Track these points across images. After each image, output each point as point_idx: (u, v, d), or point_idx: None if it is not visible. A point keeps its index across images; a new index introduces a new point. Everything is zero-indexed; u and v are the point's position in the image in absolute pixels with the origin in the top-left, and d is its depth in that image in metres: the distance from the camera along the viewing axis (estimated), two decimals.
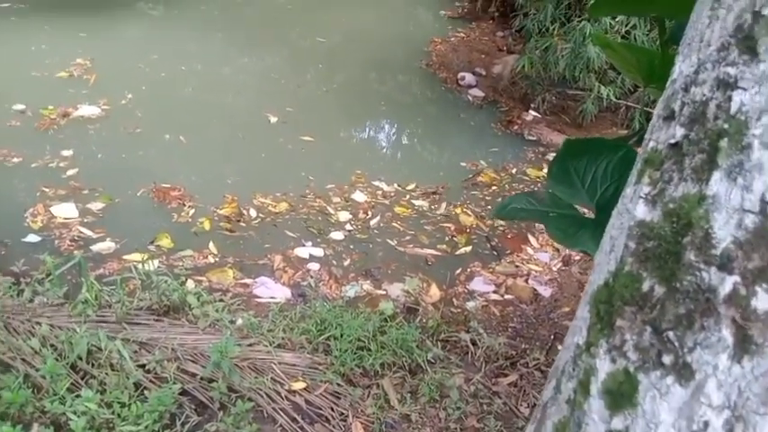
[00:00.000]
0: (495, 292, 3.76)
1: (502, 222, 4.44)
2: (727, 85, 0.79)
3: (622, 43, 3.61)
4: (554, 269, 4.06)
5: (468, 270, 3.92)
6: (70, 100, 5.06)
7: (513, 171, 5.26)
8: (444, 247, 4.11)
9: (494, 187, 4.91)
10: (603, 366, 0.81)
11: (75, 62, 5.61)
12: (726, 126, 0.80)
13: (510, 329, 3.37)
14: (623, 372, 0.78)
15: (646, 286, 0.80)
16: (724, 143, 0.79)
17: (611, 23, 5.69)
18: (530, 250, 4.25)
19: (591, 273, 0.97)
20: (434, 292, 3.60)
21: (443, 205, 4.57)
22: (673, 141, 0.88)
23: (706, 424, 0.70)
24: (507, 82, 6.67)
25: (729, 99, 0.79)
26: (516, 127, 6.07)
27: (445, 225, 4.35)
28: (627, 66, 2.25)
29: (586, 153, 2.31)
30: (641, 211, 0.87)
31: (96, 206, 3.90)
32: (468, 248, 4.11)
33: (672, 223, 0.81)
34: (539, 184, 5.00)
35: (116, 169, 4.33)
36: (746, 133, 0.77)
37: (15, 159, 4.23)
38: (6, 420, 2.19)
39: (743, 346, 0.69)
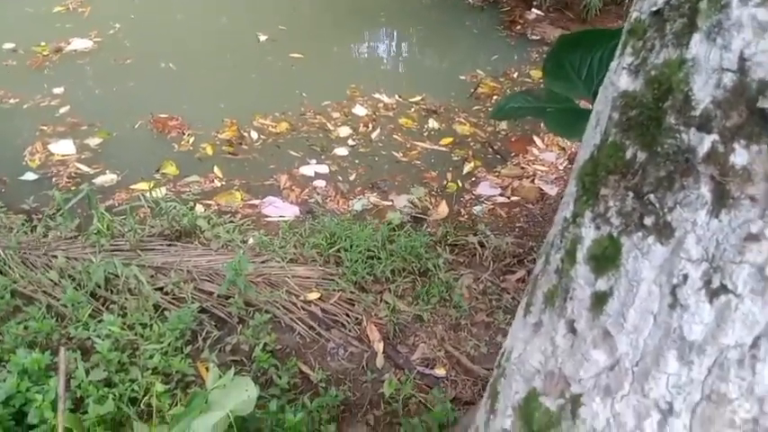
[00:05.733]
0: (501, 195, 3.78)
1: (504, 126, 4.41)
2: None
3: None
4: (560, 168, 4.06)
5: (474, 177, 3.92)
6: (63, 34, 4.96)
7: (515, 75, 5.16)
8: (448, 163, 4.08)
9: (495, 96, 4.83)
10: (589, 234, 0.83)
11: None
12: None
13: (517, 229, 3.41)
14: (607, 237, 0.80)
15: (629, 154, 0.81)
16: (704, 4, 0.78)
17: None
18: (535, 151, 4.23)
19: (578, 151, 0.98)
20: (443, 209, 3.58)
21: (445, 119, 4.52)
22: (655, 9, 0.87)
23: (685, 277, 0.72)
24: None
25: None
26: (519, 27, 5.91)
27: (448, 139, 4.31)
28: None
29: (581, 46, 2.28)
30: (624, 82, 0.87)
31: (94, 141, 3.90)
32: (473, 163, 4.07)
33: (653, 90, 0.81)
34: (542, 85, 4.90)
35: (111, 103, 4.30)
36: None
37: (12, 100, 4.20)
38: (35, 348, 2.29)
39: (721, 201, 0.70)
